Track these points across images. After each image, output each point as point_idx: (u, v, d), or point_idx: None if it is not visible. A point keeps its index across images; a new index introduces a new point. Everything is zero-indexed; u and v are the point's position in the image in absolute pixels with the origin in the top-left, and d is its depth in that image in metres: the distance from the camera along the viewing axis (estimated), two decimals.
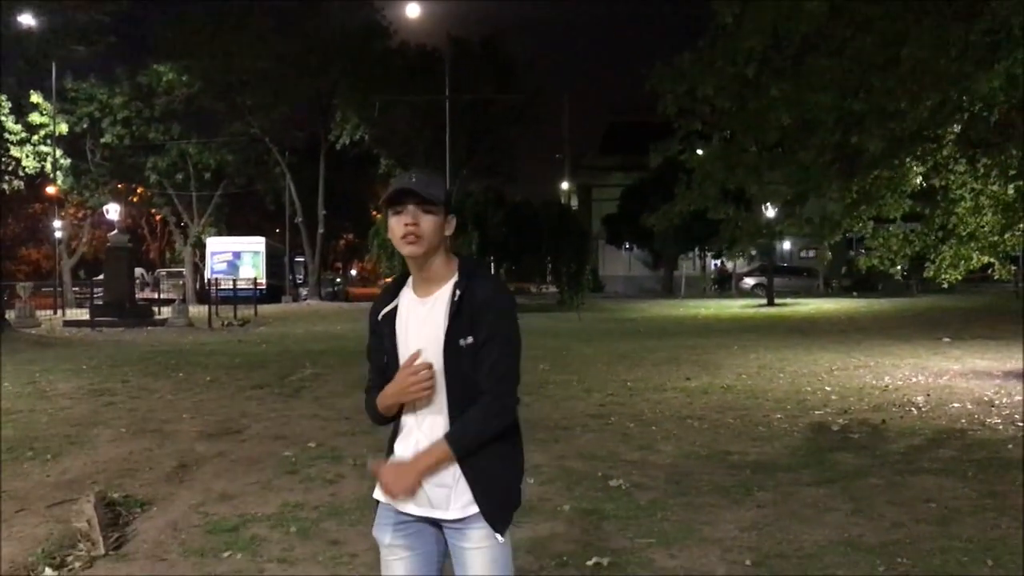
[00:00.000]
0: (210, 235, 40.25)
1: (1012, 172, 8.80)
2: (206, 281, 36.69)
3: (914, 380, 11.66)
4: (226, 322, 24.59)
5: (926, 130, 7.94)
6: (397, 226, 2.49)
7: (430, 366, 2.46)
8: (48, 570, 4.72)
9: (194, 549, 5.01)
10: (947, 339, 17.28)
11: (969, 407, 9.41)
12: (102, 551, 4.97)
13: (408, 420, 2.57)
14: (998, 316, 23.31)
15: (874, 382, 11.52)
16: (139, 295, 29.03)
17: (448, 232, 2.54)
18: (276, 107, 38.17)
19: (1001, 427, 8.30)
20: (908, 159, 8.58)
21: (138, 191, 43.58)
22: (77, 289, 36.94)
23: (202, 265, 40.59)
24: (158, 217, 51.77)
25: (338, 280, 49.02)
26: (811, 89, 7.10)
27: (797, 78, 7.12)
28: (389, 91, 36.18)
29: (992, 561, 4.60)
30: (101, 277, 32.61)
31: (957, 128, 8.27)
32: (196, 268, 40.96)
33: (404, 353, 2.53)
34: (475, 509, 2.46)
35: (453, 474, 2.46)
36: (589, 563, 4.65)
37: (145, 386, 11.69)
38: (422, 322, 2.52)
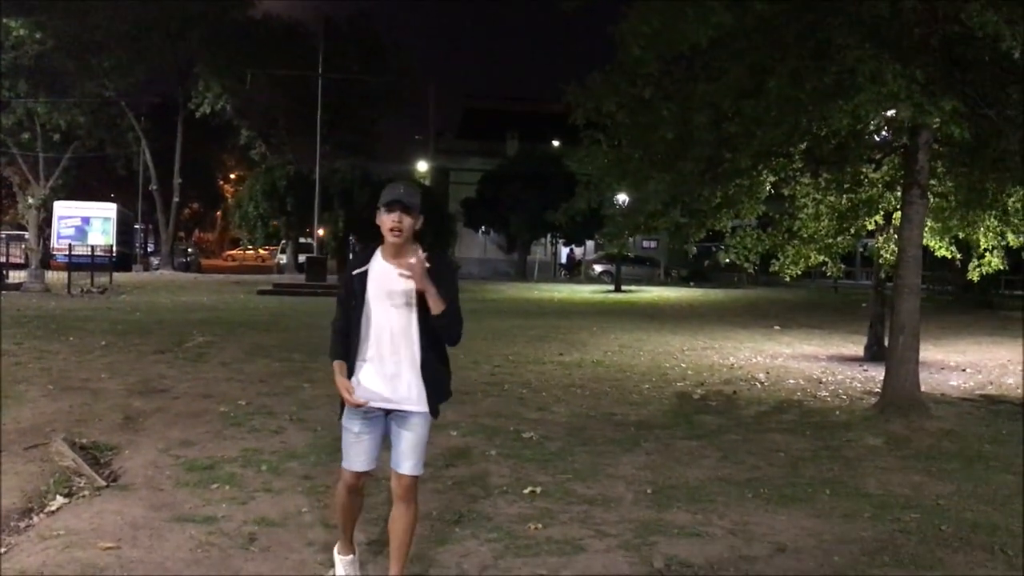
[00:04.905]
0: (56, 199, 38.69)
1: (846, 186, 10.56)
2: (51, 247, 35.40)
3: (754, 360, 13.43)
4: (84, 289, 24.17)
5: (780, 147, 9.47)
6: (388, 221, 3.65)
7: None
8: (59, 498, 5.42)
9: (183, 482, 5.80)
10: (777, 327, 19.46)
11: (802, 383, 11.13)
12: (103, 483, 5.70)
13: (373, 353, 3.74)
14: (817, 307, 26.05)
15: (721, 361, 13.19)
16: None
17: (417, 227, 3.73)
18: (133, 70, 37.14)
19: (829, 399, 10.00)
20: (763, 170, 10.13)
21: None
22: None
23: (47, 229, 38.98)
24: None
25: (190, 251, 48.03)
26: (693, 110, 8.46)
27: (682, 100, 8.46)
28: (252, 62, 35.78)
29: (829, 491, 6.04)
30: None
31: (804, 146, 9.86)
32: (40, 232, 39.31)
33: (375, 299, 3.72)
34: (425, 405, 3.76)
35: (415, 380, 3.75)
36: (525, 491, 5.77)
37: (42, 348, 11.93)
38: (399, 280, 3.64)
